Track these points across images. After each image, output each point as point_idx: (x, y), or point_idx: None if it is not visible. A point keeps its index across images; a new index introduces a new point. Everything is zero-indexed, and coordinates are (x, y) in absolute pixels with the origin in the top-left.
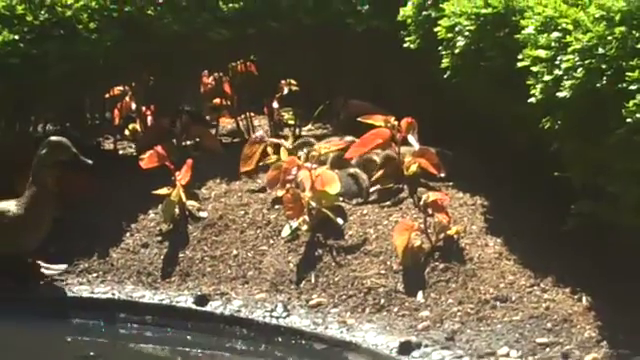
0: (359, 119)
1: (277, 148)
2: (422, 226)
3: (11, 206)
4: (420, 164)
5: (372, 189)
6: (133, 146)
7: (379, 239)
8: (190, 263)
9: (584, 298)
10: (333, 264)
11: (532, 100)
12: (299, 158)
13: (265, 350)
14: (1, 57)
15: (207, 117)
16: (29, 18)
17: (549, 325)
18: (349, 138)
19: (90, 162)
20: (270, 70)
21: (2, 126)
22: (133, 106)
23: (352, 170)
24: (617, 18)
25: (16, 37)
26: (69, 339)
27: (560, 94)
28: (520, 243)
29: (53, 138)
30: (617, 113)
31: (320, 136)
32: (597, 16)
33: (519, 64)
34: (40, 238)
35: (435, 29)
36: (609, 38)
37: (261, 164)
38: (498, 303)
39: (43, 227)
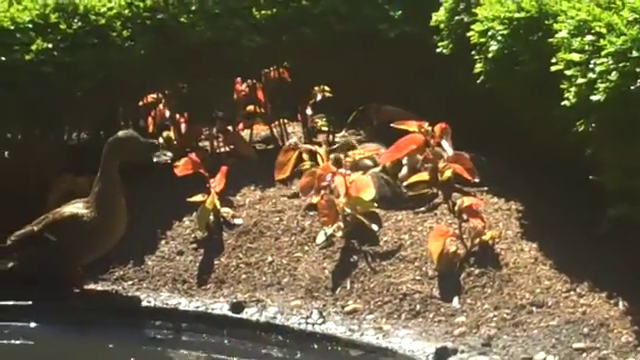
0: (393, 125)
1: (311, 154)
2: (457, 231)
3: (81, 209)
4: (454, 169)
5: (407, 195)
6: (167, 153)
7: (414, 245)
8: (225, 270)
9: (620, 302)
10: (368, 270)
11: (566, 104)
12: (342, 159)
13: (301, 357)
14: (35, 66)
15: (240, 124)
16: (63, 26)
17: (586, 330)
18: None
19: (161, 148)
20: (303, 76)
21: (36, 135)
22: (167, 114)
23: (384, 175)
24: None
25: (50, 46)
26: (111, 346)
27: (594, 97)
28: (556, 248)
29: (121, 132)
30: None
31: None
32: (630, 19)
33: (553, 68)
34: (119, 236)
35: (468, 34)
36: None
37: (295, 170)
38: (534, 308)
39: (121, 224)
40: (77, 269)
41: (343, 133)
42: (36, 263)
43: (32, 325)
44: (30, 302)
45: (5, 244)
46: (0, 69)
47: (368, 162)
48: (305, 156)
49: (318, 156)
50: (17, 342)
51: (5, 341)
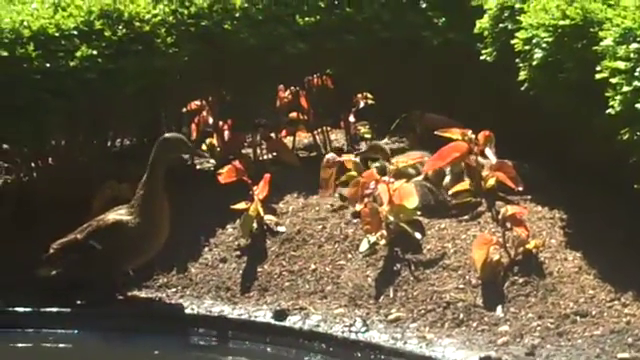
0: (436, 132)
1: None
2: (501, 240)
3: (124, 215)
4: (498, 177)
5: (450, 203)
6: (211, 161)
7: (457, 253)
8: (268, 278)
9: None
10: (411, 278)
11: (611, 112)
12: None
13: None
14: (79, 72)
15: (283, 131)
16: (107, 33)
17: (630, 340)
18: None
19: (207, 155)
20: (346, 83)
21: (80, 141)
22: (210, 120)
23: (427, 183)
24: None
25: (94, 52)
26: (156, 352)
27: (639, 105)
28: (600, 257)
29: (168, 135)
30: None
31: (396, 150)
32: None
33: (597, 76)
34: (163, 241)
35: (512, 41)
36: None
37: (338, 182)
38: (578, 318)
39: (164, 229)
40: (120, 276)
41: (386, 140)
42: (80, 270)
43: (75, 332)
44: (73, 309)
45: (48, 252)
46: (45, 75)
47: (411, 170)
48: (351, 165)
49: (352, 165)
50: (61, 347)
51: (49, 345)
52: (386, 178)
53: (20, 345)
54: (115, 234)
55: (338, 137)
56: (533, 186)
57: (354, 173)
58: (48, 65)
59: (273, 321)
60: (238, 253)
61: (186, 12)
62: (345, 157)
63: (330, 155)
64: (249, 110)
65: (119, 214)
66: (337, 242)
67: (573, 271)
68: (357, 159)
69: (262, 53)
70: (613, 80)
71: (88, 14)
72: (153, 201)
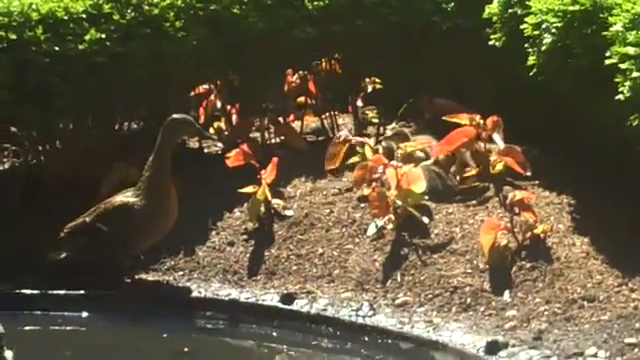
0: (444, 117)
1: (362, 147)
2: (508, 225)
3: (130, 198)
4: (506, 162)
5: (458, 187)
6: (219, 144)
7: (465, 238)
8: (276, 262)
9: None
10: (419, 263)
11: (620, 97)
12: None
13: (351, 349)
14: (88, 56)
15: (291, 115)
16: (116, 17)
17: (637, 325)
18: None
19: (215, 137)
20: (354, 68)
21: (88, 124)
22: (218, 104)
23: (435, 168)
24: None
25: (103, 36)
26: (164, 335)
27: None
28: (607, 242)
29: (176, 116)
30: None
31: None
32: None
33: (607, 61)
34: (171, 223)
35: (521, 26)
36: None
37: (346, 163)
38: (586, 303)
39: (172, 210)
40: (128, 259)
41: (394, 125)
42: (88, 253)
43: (84, 314)
44: (82, 292)
45: (58, 236)
46: (54, 59)
47: (420, 154)
48: (359, 149)
49: (366, 148)
50: (69, 329)
51: (57, 328)
52: (394, 162)
53: (28, 327)
54: (122, 216)
55: (346, 121)
56: (541, 171)
57: (359, 156)
58: (57, 49)
59: (280, 305)
60: (245, 237)
61: None
62: (359, 139)
63: (343, 132)
64: (257, 94)
65: (126, 196)
66: (344, 226)
67: (581, 256)
68: (371, 142)
69: (271, 37)
70: (623, 66)
71: None
72: (159, 183)
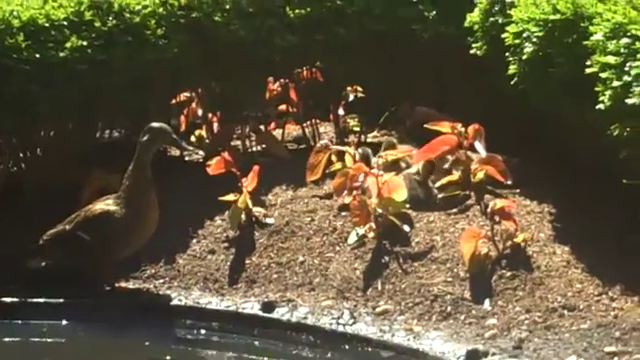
0: (426, 126)
1: (342, 155)
2: (489, 233)
3: (111, 205)
4: (487, 171)
5: (439, 196)
6: (199, 152)
7: (446, 246)
8: (256, 270)
9: None
10: (400, 271)
11: (601, 107)
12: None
13: (331, 357)
14: (69, 63)
15: (272, 124)
16: (97, 24)
17: (617, 334)
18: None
19: (191, 149)
20: (336, 76)
21: (69, 131)
22: (199, 112)
23: (416, 176)
24: None
25: (84, 43)
26: (145, 344)
27: (629, 101)
28: (588, 251)
29: (154, 124)
30: None
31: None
32: None
33: (588, 70)
34: (152, 231)
35: (502, 35)
36: None
37: (327, 172)
38: (566, 311)
39: (152, 219)
40: (108, 267)
41: (375, 133)
42: (68, 261)
43: (64, 323)
44: (62, 300)
45: (38, 243)
46: (35, 66)
47: (402, 163)
48: (334, 158)
49: (347, 156)
50: (49, 340)
51: (37, 339)
52: (375, 171)
53: (7, 338)
54: (102, 224)
55: (327, 130)
56: (522, 180)
57: (339, 165)
58: (38, 56)
59: (261, 313)
60: (226, 245)
61: (176, 3)
62: (340, 148)
63: (324, 141)
64: (238, 102)
65: (106, 204)
66: (325, 234)
67: (561, 265)
68: (351, 150)
69: (252, 45)
70: (603, 75)
71: (78, 5)
72: (139, 191)
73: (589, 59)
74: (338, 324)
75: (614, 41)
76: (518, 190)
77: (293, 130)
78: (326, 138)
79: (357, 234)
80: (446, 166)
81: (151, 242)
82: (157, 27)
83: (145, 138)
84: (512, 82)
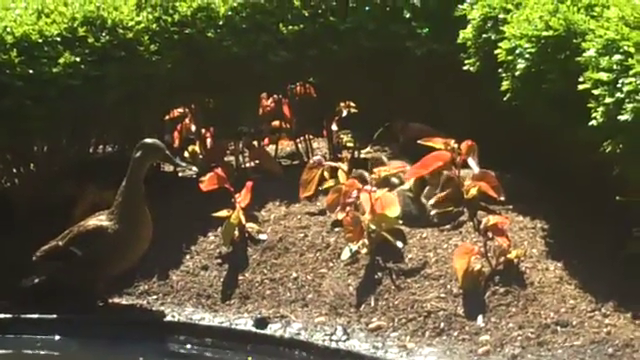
0: (419, 142)
1: (333, 171)
2: (482, 250)
3: (104, 221)
4: (480, 187)
5: (432, 212)
6: (193, 168)
7: (439, 262)
8: (250, 286)
9: None
10: (393, 287)
11: (593, 123)
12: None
13: None
14: (62, 78)
15: (266, 139)
16: (90, 40)
17: (610, 350)
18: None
19: (185, 164)
20: (329, 92)
21: (62, 147)
22: (193, 128)
23: (409, 193)
24: None
25: (77, 59)
26: (141, 359)
27: (622, 117)
28: (581, 267)
29: (147, 140)
30: None
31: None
32: None
33: (580, 87)
34: (145, 246)
35: (495, 52)
36: None
37: (320, 188)
38: (559, 328)
39: (146, 234)
40: (102, 282)
41: (368, 149)
42: (61, 277)
43: (56, 338)
44: (55, 315)
45: (32, 259)
46: (28, 82)
47: (394, 179)
48: (326, 174)
49: (340, 172)
50: (42, 354)
51: (30, 351)
52: (368, 187)
53: (0, 351)
54: (95, 240)
55: (321, 145)
56: (515, 196)
57: (332, 181)
58: (31, 71)
59: (254, 329)
60: (219, 261)
61: (170, 20)
62: (333, 164)
63: (317, 157)
64: (232, 118)
65: (99, 220)
66: (319, 250)
67: (554, 281)
68: (344, 167)
69: (245, 61)
70: (596, 91)
71: (71, 21)
72: (132, 207)
73: (582, 75)
74: (331, 340)
75: (606, 57)
76: (511, 206)
77: (287, 146)
78: (319, 154)
79: (350, 250)
80: (438, 182)
81: (144, 258)
82: (150, 43)
83: (138, 154)
84: (505, 98)
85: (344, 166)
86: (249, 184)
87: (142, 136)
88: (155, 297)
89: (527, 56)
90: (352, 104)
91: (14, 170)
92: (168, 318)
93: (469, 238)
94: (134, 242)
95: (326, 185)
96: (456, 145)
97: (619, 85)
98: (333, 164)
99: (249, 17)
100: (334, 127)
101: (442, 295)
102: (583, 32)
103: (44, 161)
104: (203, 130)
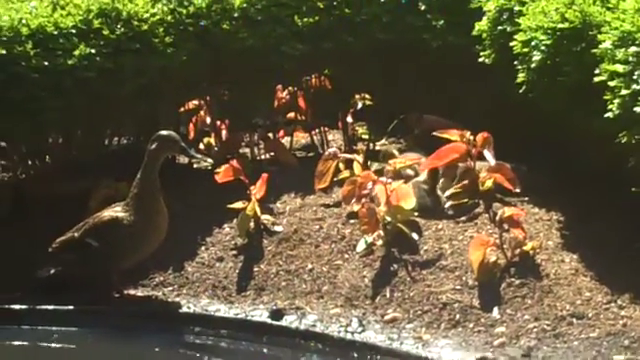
0: (434, 134)
1: (348, 163)
2: (498, 241)
3: (120, 212)
4: (495, 179)
5: (447, 204)
6: (208, 160)
7: (454, 254)
8: (265, 277)
9: None
10: (408, 279)
11: (609, 115)
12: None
13: None
14: (78, 71)
15: (281, 131)
16: (105, 32)
17: (626, 342)
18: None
19: (200, 156)
20: (344, 84)
21: (77, 139)
22: (208, 120)
23: (425, 184)
24: None
25: (93, 51)
26: (154, 350)
27: (638, 109)
28: (597, 259)
29: (163, 132)
30: None
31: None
32: None
33: (596, 79)
34: (161, 237)
35: (511, 43)
36: None
37: (335, 179)
38: (575, 320)
39: (161, 225)
40: (117, 274)
41: (383, 141)
42: (77, 268)
43: (73, 330)
44: (71, 307)
45: (47, 251)
46: (43, 74)
47: (409, 171)
48: (342, 165)
49: (355, 164)
50: (58, 345)
51: (46, 343)
52: (384, 179)
53: (16, 343)
54: (111, 231)
55: (336, 137)
56: (531, 188)
57: (347, 173)
58: (46, 63)
59: (269, 320)
60: (235, 252)
61: (185, 12)
62: (348, 155)
63: (332, 149)
64: (247, 110)
65: (115, 211)
66: (334, 242)
67: (570, 273)
68: (359, 158)
69: (260, 53)
70: (612, 83)
71: (87, 13)
72: (147, 198)
73: (597, 67)
74: (347, 332)
75: (622, 49)
76: (527, 198)
77: (302, 138)
78: (334, 146)
79: (366, 242)
80: (453, 174)
81: (160, 250)
82: (165, 35)
83: (153, 146)
84: (521, 90)
85: (359, 158)
86: (264, 176)
87: (157, 128)
88: (171, 288)
89: (543, 48)
90: (367, 96)
91: (29, 162)
92: (184, 309)
93: (485, 230)
94: (149, 233)
95: (341, 177)
96: (472, 137)
97: (635, 77)
98: (348, 156)
99: (264, 9)
100: (349, 119)
101: (457, 287)
102: (599, 24)
103: (59, 153)
104: (218, 122)
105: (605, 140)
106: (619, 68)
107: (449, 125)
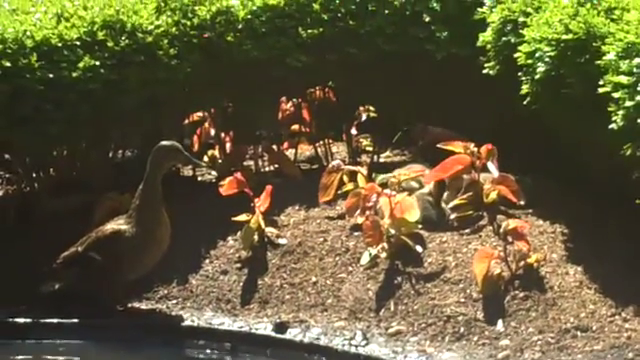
0: (439, 145)
1: (352, 175)
2: (502, 254)
3: (122, 225)
4: (500, 191)
5: (452, 216)
6: (212, 172)
7: (458, 267)
8: (269, 290)
9: None
10: (412, 292)
11: (613, 127)
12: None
13: None
14: (82, 82)
15: (285, 143)
16: (110, 44)
17: (630, 355)
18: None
19: (203, 164)
20: (348, 96)
21: (82, 151)
22: (212, 132)
23: (429, 197)
24: None
25: (97, 63)
26: None
27: None
28: (601, 272)
29: (165, 143)
30: None
31: (398, 163)
32: None
33: (600, 90)
34: (164, 249)
35: (515, 55)
36: None
37: (339, 192)
38: (579, 332)
39: (164, 237)
40: (121, 287)
41: (388, 153)
42: (81, 283)
43: (77, 343)
44: (75, 320)
45: (52, 264)
46: (47, 86)
47: (413, 183)
48: (346, 178)
49: (359, 176)
50: (61, 358)
51: (50, 357)
52: (388, 191)
53: (20, 357)
54: (113, 244)
55: (340, 150)
56: (535, 200)
57: (351, 185)
58: (51, 76)
59: (273, 334)
60: (239, 265)
61: (189, 23)
62: (352, 168)
63: (336, 162)
64: (251, 122)
65: (117, 224)
66: (338, 255)
67: (574, 286)
68: (363, 171)
69: (264, 65)
70: (616, 95)
71: (91, 25)
72: (150, 210)
73: (602, 79)
74: (351, 345)
75: (627, 61)
76: (531, 210)
77: (306, 150)
78: (339, 158)
79: (370, 254)
80: (457, 186)
81: (163, 262)
82: (170, 47)
83: (155, 157)
84: (525, 102)
85: (363, 170)
86: (268, 188)
87: (162, 140)
88: (175, 302)
89: (547, 59)
90: (371, 108)
91: (33, 175)
92: (187, 322)
93: (489, 242)
94: (152, 245)
95: (345, 189)
96: (476, 149)
97: (639, 88)
98: (352, 168)
99: (268, 21)
100: (353, 131)
101: (462, 299)
102: (603, 35)
103: (64, 165)
104: (222, 134)
105: (609, 152)
106: (623, 80)
107: (453, 137)
